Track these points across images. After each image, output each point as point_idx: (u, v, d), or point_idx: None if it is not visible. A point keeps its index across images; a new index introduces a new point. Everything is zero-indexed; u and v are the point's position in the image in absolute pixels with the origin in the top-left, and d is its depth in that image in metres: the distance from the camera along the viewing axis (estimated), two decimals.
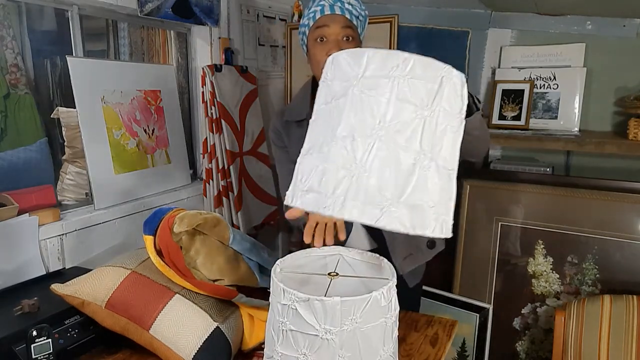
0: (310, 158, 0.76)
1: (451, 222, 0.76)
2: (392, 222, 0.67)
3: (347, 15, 1.26)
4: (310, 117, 0.82)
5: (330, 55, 1.24)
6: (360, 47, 1.33)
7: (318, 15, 1.26)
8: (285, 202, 0.78)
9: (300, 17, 2.62)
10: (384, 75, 0.70)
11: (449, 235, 0.75)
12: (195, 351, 1.04)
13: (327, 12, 1.25)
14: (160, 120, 2.03)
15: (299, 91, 1.44)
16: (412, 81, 0.69)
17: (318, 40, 1.27)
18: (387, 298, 0.80)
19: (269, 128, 1.57)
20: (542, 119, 2.21)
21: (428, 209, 0.70)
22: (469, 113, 1.01)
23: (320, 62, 1.27)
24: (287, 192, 0.79)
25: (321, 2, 1.26)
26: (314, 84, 1.38)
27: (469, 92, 1.03)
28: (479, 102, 1.08)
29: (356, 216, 0.68)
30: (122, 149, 1.83)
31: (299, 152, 0.81)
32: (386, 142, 0.69)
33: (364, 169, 0.68)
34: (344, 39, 1.26)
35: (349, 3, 1.26)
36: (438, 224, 0.72)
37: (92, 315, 1.11)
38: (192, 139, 2.35)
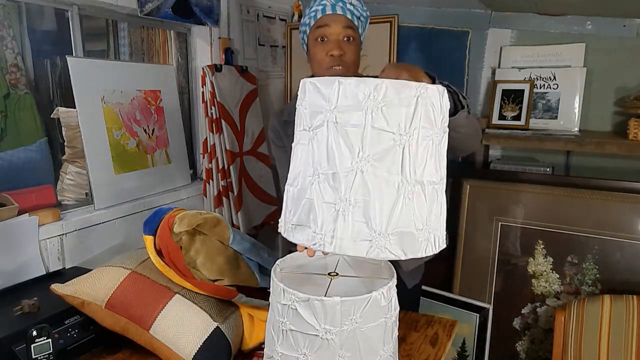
0: (297, 190, 0.76)
1: (444, 233, 0.78)
2: (382, 253, 0.69)
3: (349, 16, 1.25)
4: None
5: (330, 55, 1.25)
6: (361, 48, 1.33)
7: (319, 15, 1.26)
8: (279, 230, 0.80)
9: (300, 17, 2.62)
10: (357, 107, 0.69)
11: (444, 246, 0.76)
12: (195, 351, 1.04)
13: (329, 11, 1.25)
14: (160, 120, 2.03)
15: (298, 91, 1.44)
16: (386, 109, 0.68)
17: (319, 39, 1.27)
18: (387, 298, 0.80)
19: (268, 127, 1.58)
20: (542, 119, 2.21)
21: (417, 232, 0.71)
22: (454, 112, 1.02)
23: (321, 61, 1.27)
24: (279, 221, 0.80)
25: (322, 2, 1.26)
26: None
27: (453, 90, 1.04)
28: (465, 98, 1.07)
29: (346, 251, 0.70)
30: (122, 149, 1.83)
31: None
32: (367, 174, 0.69)
33: (348, 203, 0.69)
34: (345, 39, 1.26)
35: (350, 3, 1.26)
36: (430, 244, 0.73)
37: (92, 315, 1.11)
38: (192, 139, 2.35)
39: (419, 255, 0.72)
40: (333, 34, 1.25)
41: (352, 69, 1.28)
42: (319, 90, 0.72)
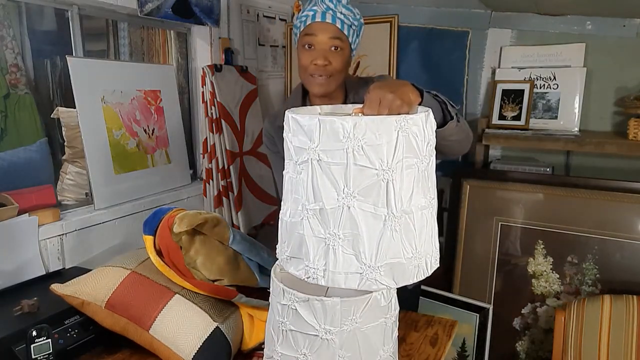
0: (288, 223, 0.78)
1: (437, 253, 0.80)
2: (373, 284, 0.72)
3: (338, 25, 1.23)
4: None
5: (315, 64, 1.23)
6: (352, 57, 1.31)
7: (309, 21, 1.24)
8: (277, 256, 0.82)
9: None
10: (337, 147, 0.70)
11: (436, 266, 0.79)
12: (195, 351, 1.04)
13: (318, 19, 1.23)
14: (160, 120, 2.03)
15: (289, 96, 1.43)
16: (367, 147, 0.69)
17: (306, 46, 1.25)
18: (387, 298, 0.80)
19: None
20: (542, 119, 2.21)
21: (407, 261, 0.73)
22: (443, 122, 1.02)
23: (305, 68, 1.26)
24: (277, 248, 0.83)
25: (314, 7, 1.24)
26: (304, 87, 1.37)
27: (442, 100, 1.04)
28: (454, 107, 1.06)
29: (339, 284, 0.72)
30: (122, 149, 1.83)
31: None
32: (354, 209, 0.71)
33: (337, 237, 0.71)
34: (332, 48, 1.24)
35: (341, 12, 1.23)
36: (421, 269, 0.76)
37: (92, 315, 1.11)
38: (192, 139, 2.34)
39: (411, 282, 0.75)
40: (320, 43, 1.23)
41: (338, 78, 1.27)
42: (302, 128, 0.73)
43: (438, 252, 0.80)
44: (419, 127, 0.72)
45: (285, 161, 0.81)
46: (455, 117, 1.04)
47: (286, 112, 0.78)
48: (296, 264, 0.76)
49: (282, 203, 0.82)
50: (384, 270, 0.72)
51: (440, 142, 0.80)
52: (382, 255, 0.71)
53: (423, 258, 0.75)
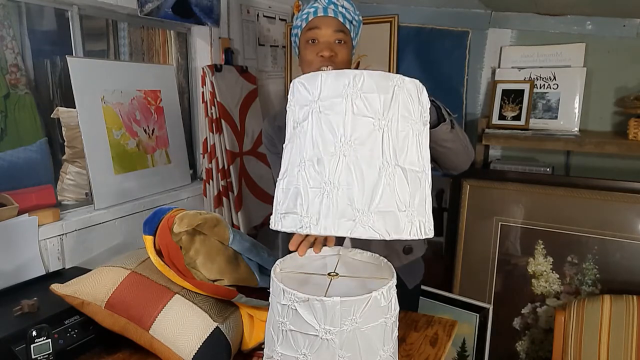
0: (285, 182, 0.79)
1: (431, 222, 0.79)
2: (366, 231, 0.71)
3: (340, 19, 1.25)
4: None
5: (320, 55, 1.25)
6: (354, 52, 1.33)
7: (311, 17, 1.25)
8: (270, 227, 0.81)
9: None
10: (338, 94, 0.73)
11: (430, 235, 0.77)
12: (195, 351, 1.04)
13: (320, 14, 1.24)
14: (160, 120, 2.03)
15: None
16: (365, 95, 0.73)
17: (310, 41, 1.26)
18: (387, 298, 0.80)
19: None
20: (542, 119, 2.21)
21: (399, 213, 0.73)
22: (436, 124, 1.02)
23: (311, 62, 1.27)
24: (271, 217, 0.82)
25: (314, 4, 1.25)
26: None
27: (437, 105, 1.04)
28: (450, 114, 1.07)
29: (331, 231, 0.71)
30: (122, 149, 1.83)
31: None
32: (350, 157, 0.72)
33: (333, 186, 0.72)
34: (336, 42, 1.25)
35: (342, 6, 1.25)
36: (414, 227, 0.75)
37: (92, 315, 1.11)
38: (192, 139, 2.34)
39: (404, 237, 0.73)
40: (324, 36, 1.25)
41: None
42: (305, 86, 0.77)
43: (432, 222, 0.79)
44: (414, 92, 0.77)
45: (287, 133, 0.82)
46: (449, 121, 1.04)
47: (292, 81, 0.81)
48: (290, 219, 0.76)
49: (281, 168, 0.82)
50: (377, 218, 0.71)
51: (434, 147, 0.81)
52: (375, 202, 0.72)
53: (417, 218, 0.75)
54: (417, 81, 0.78)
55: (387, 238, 0.72)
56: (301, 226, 0.73)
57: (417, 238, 0.75)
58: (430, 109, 0.95)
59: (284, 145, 0.83)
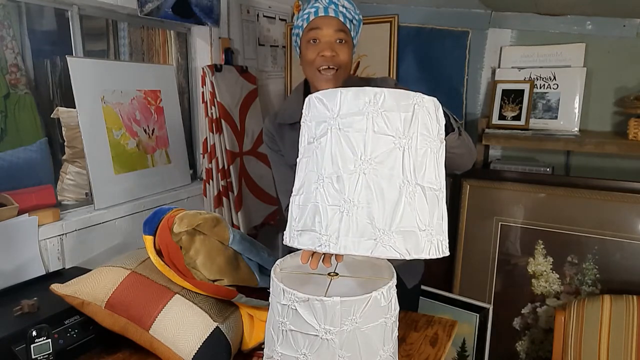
0: (302, 198, 0.78)
1: (446, 241, 0.78)
2: (387, 251, 0.70)
3: (341, 18, 1.25)
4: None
5: (322, 55, 1.25)
6: (354, 51, 1.33)
7: (312, 17, 1.25)
8: (284, 243, 0.80)
9: None
10: (358, 112, 0.73)
11: (447, 254, 0.77)
12: (195, 351, 1.04)
13: (321, 13, 1.24)
14: (160, 120, 2.03)
15: (291, 94, 1.44)
16: (386, 114, 0.72)
17: (311, 41, 1.26)
18: (387, 298, 0.80)
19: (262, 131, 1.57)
20: (542, 119, 2.21)
21: (420, 232, 0.73)
22: (445, 133, 1.03)
23: (312, 62, 1.27)
24: (285, 233, 0.81)
25: (315, 4, 1.25)
26: (306, 86, 1.37)
27: (445, 113, 1.05)
28: (457, 120, 1.08)
29: (351, 250, 0.71)
30: (122, 149, 1.83)
31: (294, 156, 0.82)
32: (370, 176, 0.72)
33: (352, 204, 0.71)
34: (337, 41, 1.25)
35: (343, 6, 1.25)
36: (433, 246, 0.74)
37: (92, 315, 1.11)
38: (192, 139, 2.34)
39: (423, 256, 0.73)
40: (325, 36, 1.25)
41: (344, 71, 1.28)
42: (323, 102, 0.76)
43: (447, 241, 0.79)
44: (432, 110, 0.77)
45: (300, 148, 0.82)
46: (457, 130, 1.05)
47: (308, 97, 0.81)
48: (307, 236, 0.74)
49: (294, 186, 0.82)
50: (398, 238, 0.71)
51: None
52: (397, 222, 0.71)
53: (435, 237, 0.75)
54: (435, 99, 0.78)
55: (408, 257, 0.71)
56: (320, 244, 0.72)
57: (435, 257, 0.75)
58: None
59: (297, 160, 0.82)
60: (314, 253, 0.94)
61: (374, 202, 0.71)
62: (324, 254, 0.95)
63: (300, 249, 0.97)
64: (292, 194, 0.82)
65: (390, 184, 0.71)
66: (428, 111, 0.75)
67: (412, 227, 0.72)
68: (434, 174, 0.76)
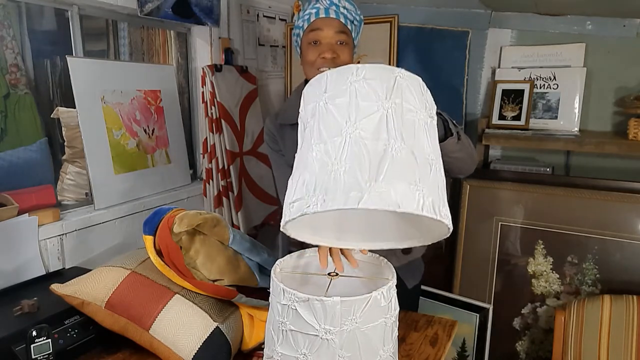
0: (294, 177, 0.78)
1: (445, 206, 0.73)
2: (375, 200, 0.66)
3: (342, 20, 1.25)
4: None
5: (323, 57, 1.25)
6: (355, 52, 1.33)
7: (313, 18, 1.25)
8: (281, 229, 0.79)
9: None
10: (342, 84, 0.75)
11: (446, 221, 0.71)
12: (195, 351, 1.04)
13: (322, 15, 1.24)
14: (160, 120, 2.03)
15: (291, 94, 1.44)
16: (368, 82, 0.75)
17: (312, 43, 1.26)
18: (387, 298, 0.80)
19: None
20: (542, 119, 2.21)
21: (409, 186, 0.68)
22: (443, 137, 1.03)
23: (312, 63, 1.27)
24: (284, 205, 0.79)
25: (316, 5, 1.25)
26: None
27: (444, 117, 1.05)
28: (456, 125, 1.08)
29: (339, 204, 0.67)
30: (122, 149, 1.83)
31: (294, 156, 0.82)
32: (355, 138, 0.72)
33: (339, 164, 0.71)
34: (338, 43, 1.26)
35: (344, 7, 1.25)
36: (427, 203, 0.69)
37: (92, 315, 1.11)
38: (192, 139, 2.34)
39: (416, 211, 0.67)
40: (326, 38, 1.25)
41: None
42: (312, 86, 0.80)
43: (447, 208, 0.74)
44: (416, 85, 0.78)
45: (299, 139, 0.82)
46: (456, 134, 1.05)
47: (304, 90, 0.83)
48: (297, 204, 0.73)
49: (294, 169, 0.81)
50: (386, 186, 0.68)
51: (442, 159, 0.80)
52: (383, 173, 0.69)
53: (429, 197, 0.70)
54: (419, 78, 0.79)
55: (398, 210, 0.66)
56: (308, 205, 0.70)
57: (430, 216, 0.69)
58: (437, 122, 0.95)
59: (295, 155, 0.82)
60: (327, 250, 0.93)
61: (360, 158, 0.70)
62: (332, 252, 0.94)
63: (300, 249, 0.98)
64: (289, 178, 0.80)
65: (375, 141, 0.72)
66: (411, 85, 0.77)
67: (399, 178, 0.69)
68: (425, 142, 0.75)
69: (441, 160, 0.79)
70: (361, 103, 0.74)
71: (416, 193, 0.69)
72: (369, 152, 0.71)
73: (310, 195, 0.70)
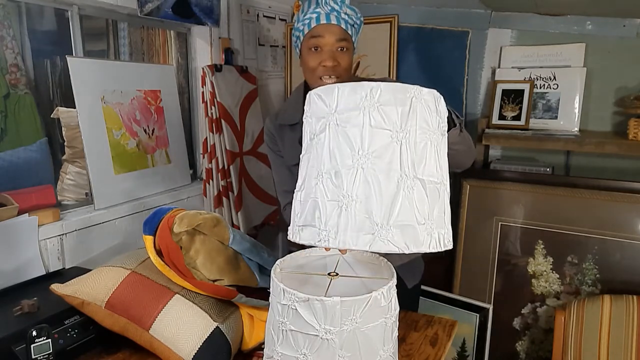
0: (303, 194, 0.79)
1: (449, 234, 0.78)
2: (385, 245, 0.71)
3: (343, 25, 1.23)
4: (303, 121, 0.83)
5: (323, 65, 1.24)
6: (355, 52, 1.32)
7: (313, 24, 1.24)
8: (289, 238, 0.81)
9: None
10: (355, 107, 0.73)
11: (449, 247, 0.77)
12: (195, 351, 1.04)
13: (323, 21, 1.23)
14: (160, 120, 2.03)
15: (291, 94, 1.44)
16: (382, 108, 0.73)
17: (312, 49, 1.25)
18: (387, 298, 0.80)
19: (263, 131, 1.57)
20: (542, 119, 2.21)
21: (418, 226, 0.72)
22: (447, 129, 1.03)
23: (313, 70, 1.26)
24: (289, 229, 0.82)
25: (317, 10, 1.24)
26: (306, 86, 1.37)
27: (447, 109, 1.04)
28: (458, 117, 1.08)
29: (350, 244, 0.71)
30: (122, 149, 1.83)
31: (293, 157, 0.83)
32: (368, 170, 0.72)
33: (351, 199, 0.72)
34: (339, 49, 1.25)
35: (345, 13, 1.24)
36: (433, 239, 0.74)
37: (92, 315, 1.11)
38: (192, 139, 2.34)
39: (423, 250, 0.73)
40: (327, 45, 1.24)
41: (345, 76, 1.28)
42: (321, 98, 0.77)
43: (451, 234, 0.79)
44: (432, 103, 0.76)
45: (303, 144, 0.82)
46: (459, 125, 1.05)
47: (308, 93, 0.81)
48: (308, 232, 0.76)
49: (298, 179, 0.82)
50: (396, 232, 0.71)
51: None
52: (394, 216, 0.71)
53: (436, 230, 0.74)
54: (435, 91, 0.78)
55: (407, 251, 0.72)
56: (319, 239, 0.73)
57: (436, 251, 0.75)
58: None
59: (300, 156, 0.83)
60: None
61: (371, 197, 0.71)
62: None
63: (300, 248, 0.98)
64: (295, 190, 0.82)
65: (388, 178, 0.72)
66: (427, 104, 0.75)
67: (410, 221, 0.72)
68: (434, 167, 0.76)
69: (448, 178, 0.80)
70: (375, 132, 0.72)
71: (424, 233, 0.73)
72: (381, 190, 0.72)
73: (322, 228, 0.73)
